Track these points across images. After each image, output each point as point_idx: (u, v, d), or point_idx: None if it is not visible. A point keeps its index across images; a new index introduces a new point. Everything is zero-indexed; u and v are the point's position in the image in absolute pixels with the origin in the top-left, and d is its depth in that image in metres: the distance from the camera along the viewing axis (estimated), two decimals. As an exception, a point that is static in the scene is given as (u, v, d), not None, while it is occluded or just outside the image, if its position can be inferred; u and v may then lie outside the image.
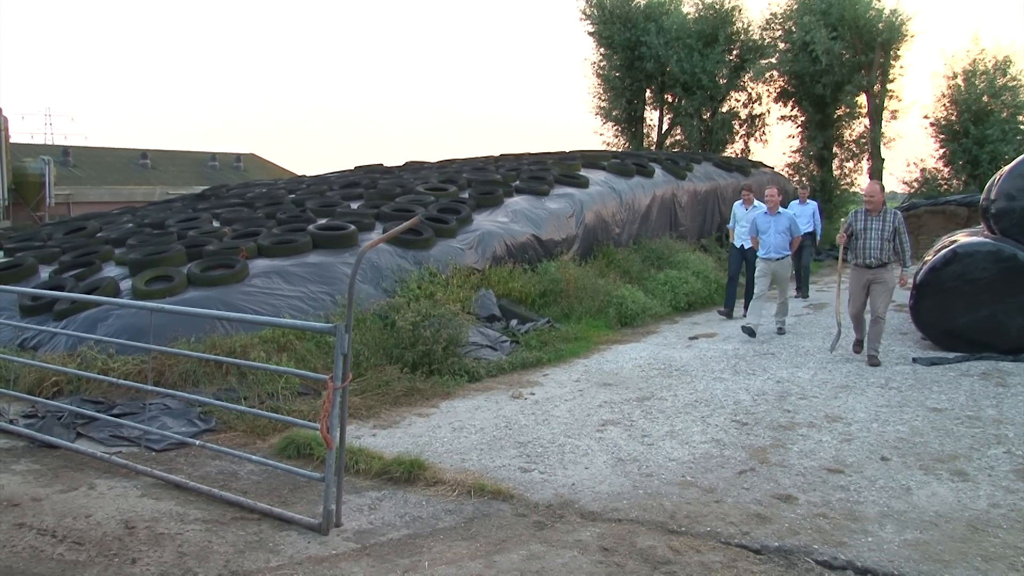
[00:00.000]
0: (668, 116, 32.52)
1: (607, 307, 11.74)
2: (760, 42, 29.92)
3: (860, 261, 9.16)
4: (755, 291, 10.86)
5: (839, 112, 28.80)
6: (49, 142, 48.81)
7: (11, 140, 41.08)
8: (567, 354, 9.77)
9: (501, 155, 22.74)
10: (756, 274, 11.03)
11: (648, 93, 32.46)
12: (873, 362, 9.10)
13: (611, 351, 10.07)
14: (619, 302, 11.88)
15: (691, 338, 10.77)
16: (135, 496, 5.66)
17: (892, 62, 27.48)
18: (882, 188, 9.45)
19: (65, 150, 47.90)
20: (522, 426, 7.07)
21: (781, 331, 11.06)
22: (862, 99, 27.99)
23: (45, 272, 11.54)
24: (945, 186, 27.25)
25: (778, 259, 10.87)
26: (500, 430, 6.97)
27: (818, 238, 15.11)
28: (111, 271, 11.05)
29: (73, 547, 4.86)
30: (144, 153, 51.96)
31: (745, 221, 12.41)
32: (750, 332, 10.49)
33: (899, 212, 9.01)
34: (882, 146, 27.72)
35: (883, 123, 27.65)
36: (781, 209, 11.02)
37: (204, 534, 5.01)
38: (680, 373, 8.89)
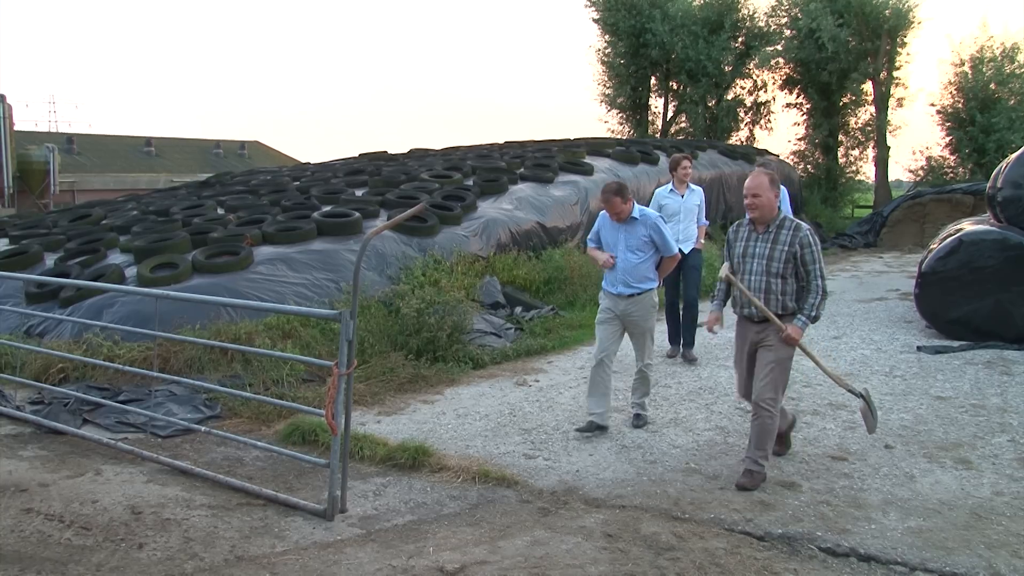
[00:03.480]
0: (673, 104, 32.47)
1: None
2: (766, 29, 29.83)
3: (738, 308, 5.69)
4: (596, 349, 6.71)
5: (845, 100, 28.74)
6: (53, 130, 48.82)
7: (15, 128, 41.08)
8: (571, 341, 9.77)
9: (506, 142, 22.73)
10: (597, 319, 6.81)
11: (653, 80, 32.39)
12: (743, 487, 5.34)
13: (616, 339, 10.06)
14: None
15: (697, 325, 10.76)
16: (141, 482, 5.69)
17: (899, 49, 27.39)
18: (774, 181, 5.47)
19: (69, 138, 47.95)
20: (526, 413, 7.09)
21: (639, 422, 6.71)
22: (868, 86, 27.92)
23: (50, 259, 11.56)
24: (951, 174, 27.19)
25: (630, 295, 6.46)
26: (504, 417, 6.98)
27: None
28: (116, 258, 11.06)
29: (80, 532, 4.89)
30: (148, 140, 51.99)
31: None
32: (595, 428, 6.47)
33: (804, 225, 5.37)
34: (888, 134, 27.64)
35: (889, 111, 27.57)
36: (640, 209, 6.61)
37: (210, 519, 5.04)
38: (684, 361, 8.90)
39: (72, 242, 12.28)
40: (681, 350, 9.05)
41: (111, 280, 9.71)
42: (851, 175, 29.73)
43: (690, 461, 5.86)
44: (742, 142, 30.61)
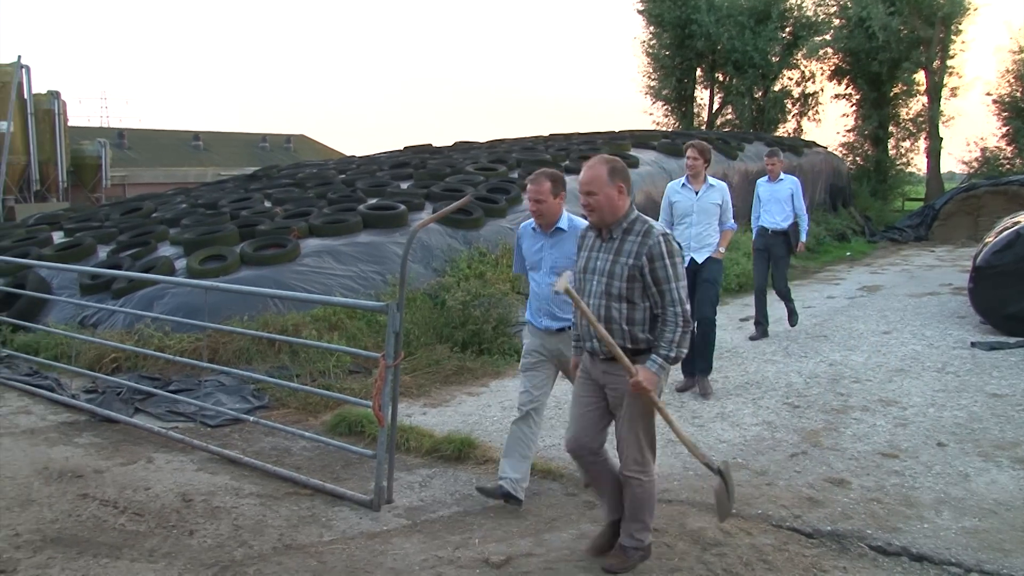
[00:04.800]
0: (719, 95, 32.20)
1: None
2: (814, 18, 29.43)
3: (579, 341, 4.40)
4: (519, 399, 5.24)
5: (896, 90, 28.26)
6: (105, 125, 49.66)
7: (69, 124, 41.91)
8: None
9: (551, 135, 22.68)
10: (521, 364, 5.30)
11: (699, 72, 32.16)
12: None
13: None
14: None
15: (742, 319, 10.67)
16: (192, 470, 5.78)
17: (953, 37, 26.86)
18: (616, 172, 4.10)
19: (120, 133, 48.76)
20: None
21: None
22: (920, 76, 27.43)
23: (103, 252, 11.77)
24: (1008, 165, 26.63)
25: (559, 329, 5.00)
26: (550, 409, 6.93)
27: (802, 238, 9.82)
28: (166, 251, 11.23)
29: (134, 518, 4.99)
30: (196, 135, 52.71)
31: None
32: (504, 496, 5.04)
33: (657, 229, 4.02)
34: (941, 125, 27.14)
35: (942, 101, 27.04)
36: (569, 218, 5.13)
37: (259, 508, 5.11)
38: (731, 354, 8.83)
39: (124, 235, 12.48)
40: (696, 376, 7.54)
41: (161, 272, 9.87)
42: (901, 167, 29.24)
43: (737, 456, 5.81)
44: (789, 134, 30.24)
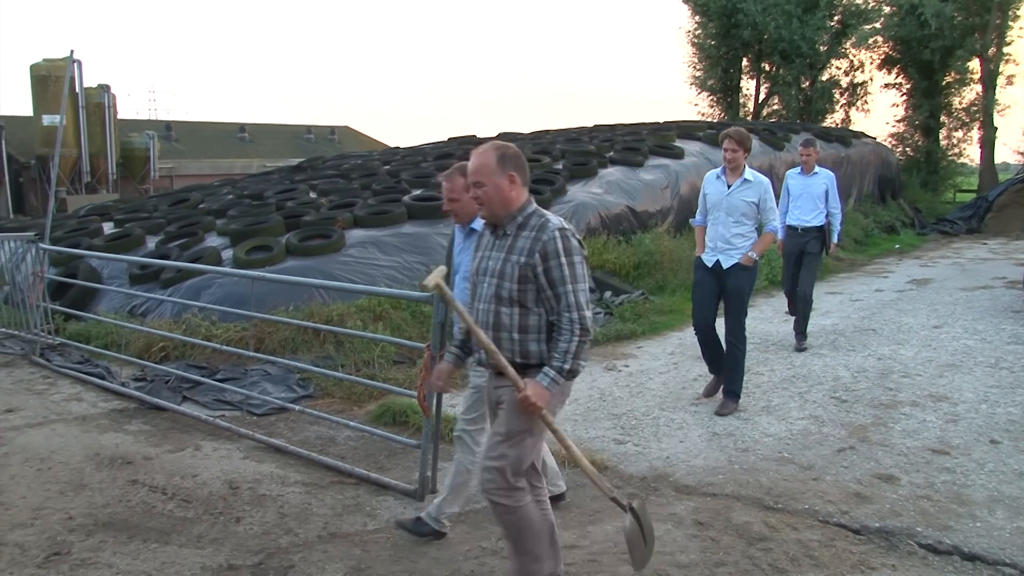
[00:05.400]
0: (765, 85, 31.84)
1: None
2: (863, 6, 28.97)
3: (459, 349, 3.98)
4: (456, 457, 4.65)
5: (948, 78, 27.71)
6: (153, 117, 50.39)
7: (118, 117, 42.62)
8: (662, 327, 9.68)
9: (595, 126, 22.60)
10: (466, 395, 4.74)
11: (745, 62, 31.81)
12: None
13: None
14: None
15: (787, 312, 10.54)
16: (238, 458, 5.86)
17: (1010, 24, 26.24)
18: (506, 159, 3.58)
19: (168, 125, 49.44)
20: (616, 398, 7.05)
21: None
22: (974, 64, 26.86)
23: (152, 242, 11.96)
24: (1066, 155, 25.99)
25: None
26: (594, 401, 6.96)
27: (835, 238, 9.02)
28: (213, 241, 11.38)
29: (182, 504, 5.06)
30: (242, 127, 53.28)
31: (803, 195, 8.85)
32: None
33: (554, 223, 3.51)
34: (995, 114, 26.55)
35: (997, 89, 26.44)
36: (469, 226, 4.57)
37: (304, 496, 5.15)
38: (777, 347, 8.73)
39: (172, 225, 12.67)
40: (724, 398, 6.73)
41: (209, 262, 10.00)
42: (953, 158, 28.68)
43: (783, 450, 5.74)
44: (837, 124, 29.81)
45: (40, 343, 8.92)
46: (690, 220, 7.80)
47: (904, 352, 8.41)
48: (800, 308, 8.79)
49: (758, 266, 6.75)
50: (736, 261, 6.44)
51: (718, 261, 6.51)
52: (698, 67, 32.02)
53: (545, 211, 3.62)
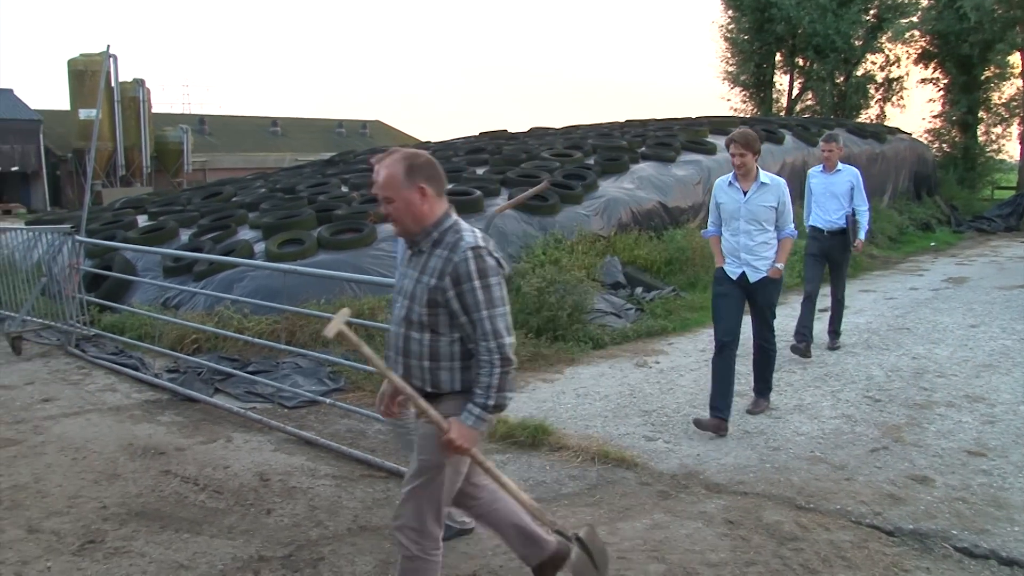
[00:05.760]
0: (799, 81, 31.53)
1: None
2: (900, 0, 28.52)
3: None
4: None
5: (988, 73, 27.26)
6: (187, 112, 50.89)
7: (153, 111, 43.12)
8: (693, 323, 9.63)
9: (627, 121, 22.50)
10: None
11: (778, 57, 31.52)
12: None
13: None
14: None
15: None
16: (269, 450, 5.90)
17: (1053, 17, 25.72)
18: (415, 169, 3.23)
19: (201, 119, 49.96)
20: (647, 395, 7.02)
21: None
22: (1015, 58, 26.39)
23: (185, 235, 12.06)
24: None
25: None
26: (624, 398, 6.93)
27: (861, 235, 8.41)
28: (246, 234, 11.46)
29: (213, 495, 5.11)
30: (275, 121, 53.71)
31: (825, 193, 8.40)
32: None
33: (469, 240, 3.18)
34: (1036, 109, 26.07)
35: (1039, 84, 25.97)
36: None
37: (334, 489, 5.18)
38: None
39: (205, 218, 12.77)
40: (755, 399, 6.60)
41: (241, 255, 10.07)
42: (991, 154, 28.22)
43: (815, 449, 5.69)
44: (872, 120, 29.46)
45: (76, 334, 9.04)
46: (701, 232, 7.48)
47: (939, 351, 8.30)
48: (834, 311, 8.59)
49: (782, 276, 6.39)
50: (764, 275, 6.09)
51: (744, 274, 6.09)
52: (731, 62, 31.79)
53: (464, 225, 3.26)
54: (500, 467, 5.48)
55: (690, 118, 21.91)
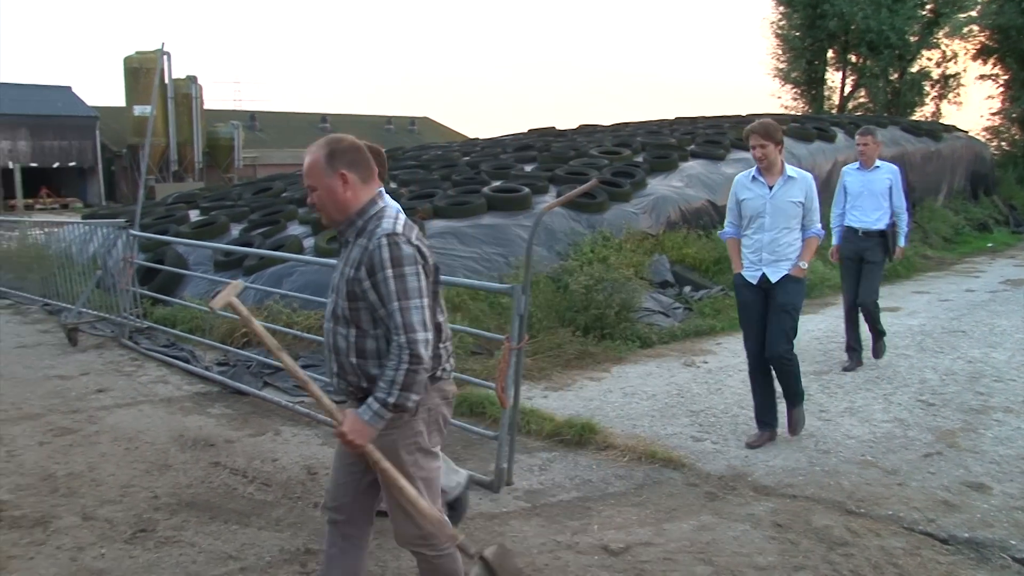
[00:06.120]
0: (852, 77, 31.08)
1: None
2: (958, -5, 27.97)
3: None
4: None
5: (1051, 68, 26.58)
6: (238, 108, 51.59)
7: (205, 107, 43.77)
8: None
9: (676, 118, 22.35)
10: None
11: (830, 53, 31.11)
12: None
13: (787, 321, 9.72)
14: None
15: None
16: (316, 444, 5.95)
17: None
18: (337, 155, 3.09)
19: (252, 115, 50.63)
20: (695, 395, 6.96)
21: None
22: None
23: (236, 230, 12.21)
24: None
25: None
26: (672, 397, 6.88)
27: (900, 243, 7.80)
28: (295, 229, 11.56)
29: (262, 488, 5.17)
30: (324, 117, 54.25)
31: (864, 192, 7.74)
32: None
33: (386, 227, 2.97)
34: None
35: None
36: None
37: (382, 484, 5.20)
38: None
39: (255, 214, 12.92)
40: (789, 411, 5.91)
41: (291, 250, 10.16)
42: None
43: (866, 453, 5.59)
44: (927, 117, 28.93)
45: (129, 326, 9.20)
46: (719, 233, 7.06)
47: (997, 355, 8.11)
48: (870, 319, 7.80)
49: (806, 279, 5.89)
50: (786, 272, 5.62)
51: (764, 275, 5.66)
52: (782, 59, 31.45)
53: (391, 212, 3.10)
54: (546, 465, 5.50)
55: (740, 116, 21.68)
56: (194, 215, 14.01)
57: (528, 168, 14.12)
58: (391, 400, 2.90)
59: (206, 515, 4.69)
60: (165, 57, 40.96)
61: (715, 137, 15.75)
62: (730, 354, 8.27)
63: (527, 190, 11.68)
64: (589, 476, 5.32)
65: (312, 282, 9.05)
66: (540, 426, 6.09)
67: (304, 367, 7.51)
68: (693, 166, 13.80)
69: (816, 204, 5.75)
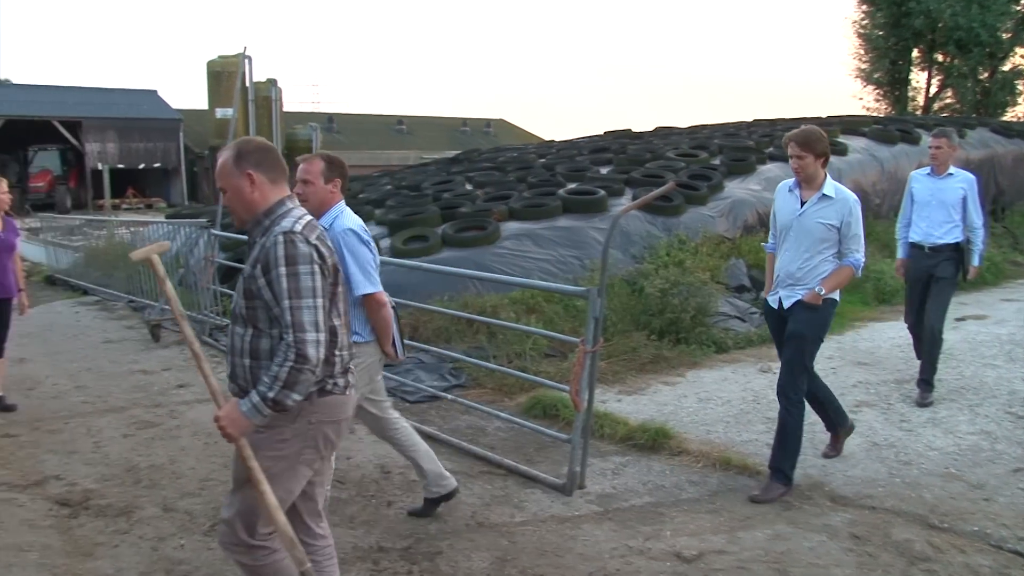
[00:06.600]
0: (938, 78, 30.26)
1: (863, 282, 11.08)
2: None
3: None
4: None
5: None
6: (316, 110, 52.43)
7: (284, 109, 44.66)
8: (819, 330, 9.32)
9: (754, 120, 22.02)
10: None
11: (915, 53, 30.32)
12: None
13: (867, 328, 9.52)
14: (877, 277, 11.18)
15: (958, 319, 9.96)
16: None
17: None
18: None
19: (330, 117, 51.40)
20: (770, 401, 6.82)
21: None
22: None
23: (315, 230, 12.38)
24: None
25: None
26: (747, 403, 6.79)
27: (974, 262, 6.91)
28: (372, 230, 11.62)
29: (336, 485, 5.23)
30: (400, 119, 54.82)
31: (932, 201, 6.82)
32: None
33: (285, 225, 2.99)
34: None
35: None
36: (339, 212, 4.48)
37: (453, 484, 5.25)
38: (945, 356, 8.17)
39: (334, 214, 13.09)
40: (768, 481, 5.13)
41: (368, 250, 10.27)
42: None
43: (950, 466, 5.43)
44: (1019, 118, 27.99)
45: (209, 323, 9.44)
46: (762, 244, 6.47)
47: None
48: (927, 348, 6.85)
49: (831, 310, 5.11)
50: (799, 299, 5.01)
51: (780, 301, 5.14)
52: (864, 59, 30.75)
53: (296, 213, 3.07)
54: (619, 469, 5.47)
55: (820, 117, 21.26)
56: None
57: (604, 170, 14.06)
58: (271, 395, 2.84)
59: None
60: (246, 61, 41.66)
61: (795, 139, 15.46)
62: (808, 361, 8.11)
63: (603, 192, 11.64)
64: (662, 481, 5.29)
65: (389, 282, 9.01)
66: (613, 430, 6.06)
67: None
68: (771, 169, 13.58)
69: (857, 231, 4.98)
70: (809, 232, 4.97)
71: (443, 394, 6.85)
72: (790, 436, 5.06)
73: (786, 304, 5.06)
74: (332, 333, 3.02)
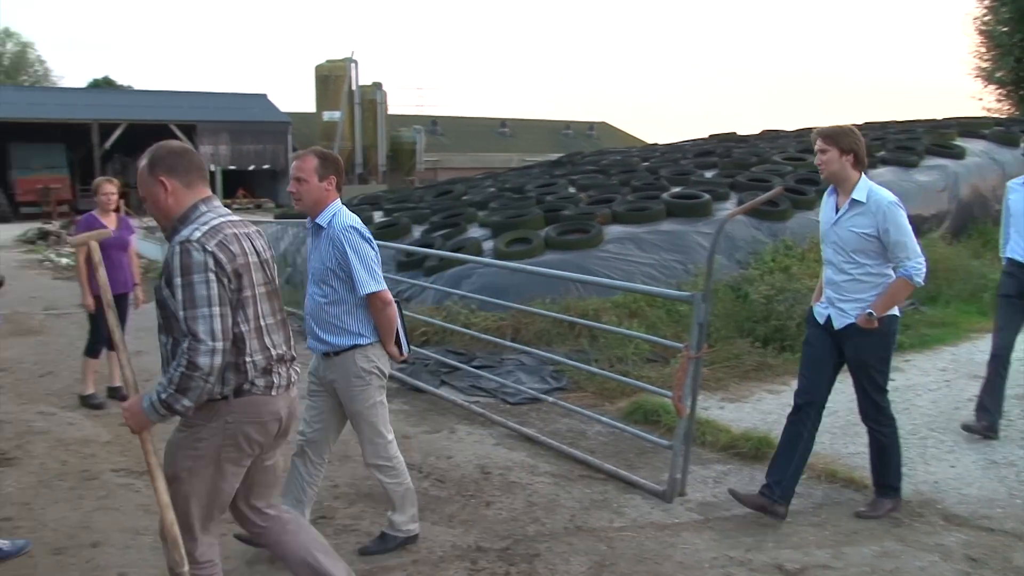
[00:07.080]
0: (1067, 77, 28.76)
1: (981, 291, 10.61)
2: None
3: None
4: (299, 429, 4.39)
5: None
6: (420, 113, 53.24)
7: (389, 112, 45.49)
8: (932, 340, 8.98)
9: (865, 123, 21.36)
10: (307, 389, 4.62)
11: (1042, 51, 28.87)
12: None
13: (984, 341, 9.03)
14: (995, 287, 10.71)
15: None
16: (490, 444, 6.06)
17: None
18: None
19: (434, 120, 52.12)
20: (879, 414, 6.61)
21: (376, 547, 4.40)
22: None
23: (417, 231, 12.59)
24: None
25: (324, 353, 4.65)
26: (854, 415, 6.45)
27: None
28: (475, 232, 11.80)
29: (436, 484, 5.31)
30: (503, 122, 55.17)
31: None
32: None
33: (185, 234, 2.93)
34: None
35: None
36: (335, 210, 4.28)
37: (552, 487, 5.24)
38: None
39: (436, 216, 13.28)
40: (873, 499, 4.89)
41: (470, 252, 10.37)
42: None
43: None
44: None
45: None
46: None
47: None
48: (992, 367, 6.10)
49: (892, 326, 4.68)
50: (851, 321, 4.58)
51: (829, 318, 4.70)
52: (985, 57, 29.50)
53: (209, 217, 3.02)
54: (721, 477, 5.37)
55: (935, 119, 20.51)
56: (378, 216, 14.53)
57: (708, 174, 13.88)
58: (162, 396, 2.87)
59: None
60: (353, 65, 42.87)
61: (907, 143, 14.97)
62: (919, 372, 7.83)
63: (707, 197, 11.48)
64: (765, 492, 5.16)
65: (490, 284, 9.21)
66: (715, 437, 5.96)
67: (480, 367, 7.68)
68: (883, 173, 13.16)
69: (899, 237, 4.41)
70: (845, 242, 4.55)
71: (544, 396, 6.85)
72: (888, 452, 4.80)
73: (836, 324, 4.65)
74: (239, 339, 3.00)
